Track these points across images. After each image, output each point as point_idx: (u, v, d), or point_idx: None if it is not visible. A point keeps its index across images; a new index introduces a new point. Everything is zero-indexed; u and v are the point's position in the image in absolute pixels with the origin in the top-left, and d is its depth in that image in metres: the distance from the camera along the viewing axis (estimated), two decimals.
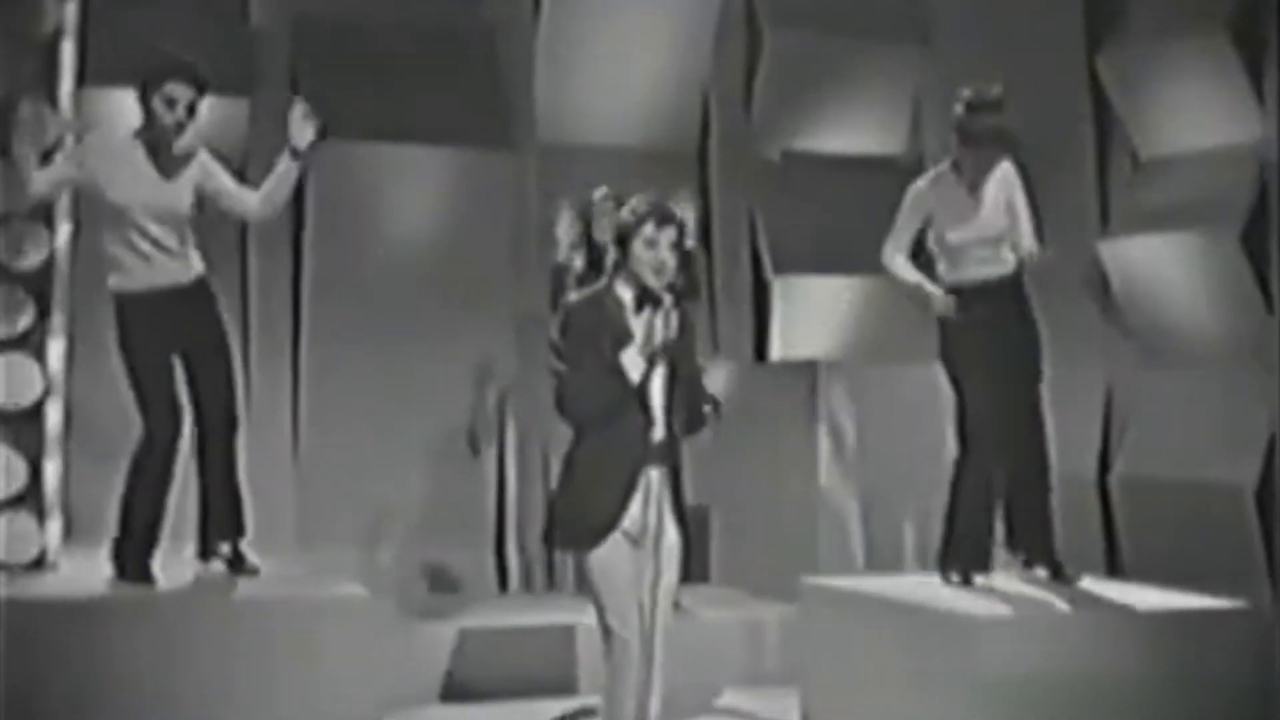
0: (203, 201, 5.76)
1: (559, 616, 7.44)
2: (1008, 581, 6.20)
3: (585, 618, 7.37)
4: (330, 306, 8.02)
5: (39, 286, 5.88)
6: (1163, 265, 8.57)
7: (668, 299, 4.66)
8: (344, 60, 8.10)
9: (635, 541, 4.64)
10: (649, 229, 4.71)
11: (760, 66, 9.10)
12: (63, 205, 5.94)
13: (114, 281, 5.66)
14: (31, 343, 5.88)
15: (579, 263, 7.37)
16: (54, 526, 5.92)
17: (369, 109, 8.02)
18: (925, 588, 6.19)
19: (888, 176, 9.29)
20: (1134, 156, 9.22)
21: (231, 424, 5.81)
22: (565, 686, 7.04)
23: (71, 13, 6.03)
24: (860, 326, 8.96)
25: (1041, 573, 6.26)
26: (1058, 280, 6.95)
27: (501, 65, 8.58)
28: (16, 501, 5.83)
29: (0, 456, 5.82)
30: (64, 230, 5.97)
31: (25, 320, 5.88)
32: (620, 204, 7.24)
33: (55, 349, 5.94)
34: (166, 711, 5.16)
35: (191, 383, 5.73)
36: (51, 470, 5.92)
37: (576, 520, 4.70)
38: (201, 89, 5.63)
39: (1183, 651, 5.65)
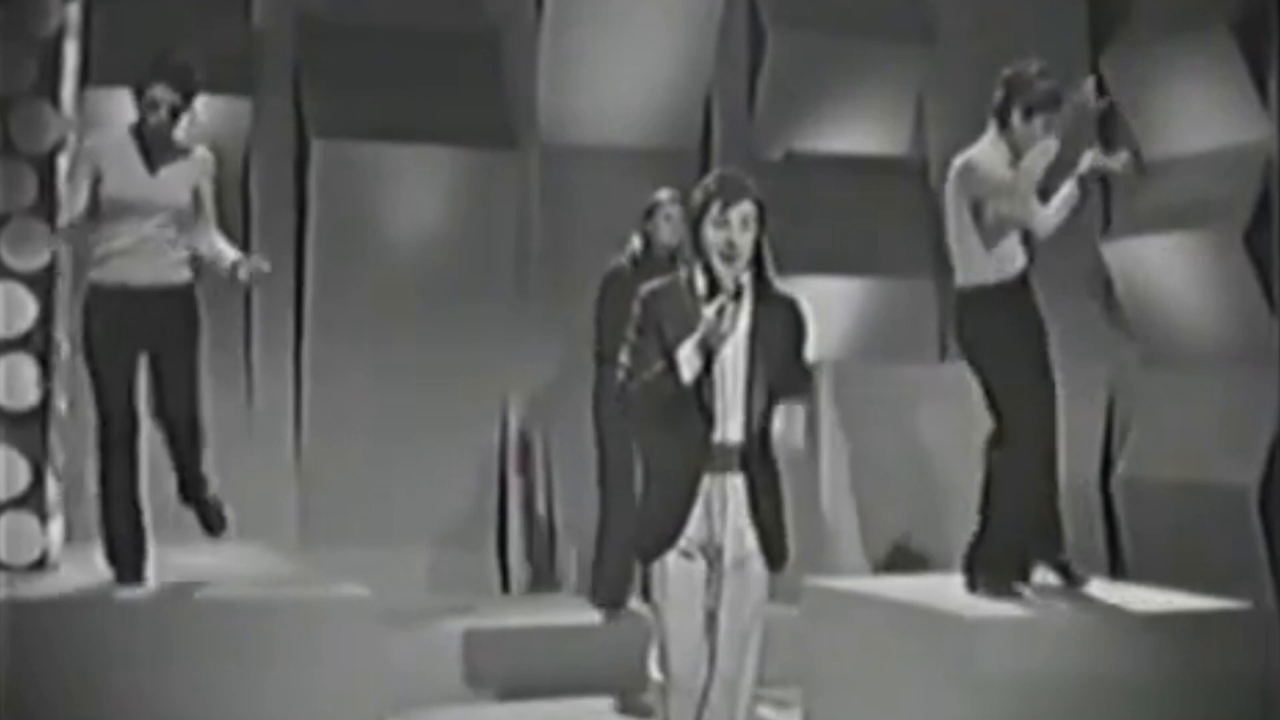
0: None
1: (562, 617, 7.44)
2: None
3: (587, 618, 7.42)
4: (332, 306, 8.01)
5: (41, 286, 5.87)
6: (1166, 265, 8.56)
7: (736, 287, 4.25)
8: (346, 60, 8.10)
9: (691, 558, 4.25)
10: (716, 207, 4.25)
11: (763, 66, 9.09)
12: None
13: (93, 275, 5.66)
14: (33, 343, 5.85)
15: (626, 263, 7.28)
16: (55, 527, 5.91)
17: (371, 109, 8.02)
18: (927, 588, 6.18)
19: (891, 177, 9.32)
20: (1137, 156, 9.20)
21: (194, 429, 5.76)
22: (567, 687, 7.04)
23: (74, 12, 6.02)
24: (860, 326, 8.95)
25: (1052, 577, 6.18)
26: (1060, 280, 6.92)
27: (504, 65, 8.57)
28: (18, 502, 5.82)
29: (1, 457, 5.81)
30: None
31: (27, 320, 5.86)
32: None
33: (58, 350, 5.93)
34: (166, 712, 5.16)
35: (156, 386, 5.71)
36: (53, 471, 5.91)
37: (643, 530, 4.35)
38: (188, 93, 5.66)
39: (1185, 652, 5.63)
